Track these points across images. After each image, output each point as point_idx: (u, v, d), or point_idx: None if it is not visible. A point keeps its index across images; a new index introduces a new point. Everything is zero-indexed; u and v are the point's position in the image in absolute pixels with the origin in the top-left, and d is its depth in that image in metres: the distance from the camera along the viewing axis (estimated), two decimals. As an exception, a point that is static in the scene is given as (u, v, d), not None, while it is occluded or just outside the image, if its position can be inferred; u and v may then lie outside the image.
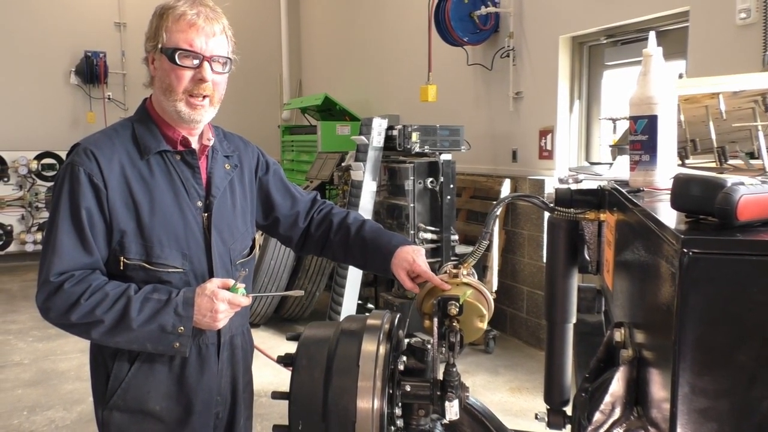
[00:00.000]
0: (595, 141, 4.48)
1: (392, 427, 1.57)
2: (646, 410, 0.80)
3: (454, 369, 1.46)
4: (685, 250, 0.59)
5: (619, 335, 0.93)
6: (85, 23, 7.84)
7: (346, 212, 1.76)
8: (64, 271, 1.37)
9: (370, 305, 5.33)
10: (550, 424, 1.71)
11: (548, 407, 1.74)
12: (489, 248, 4.67)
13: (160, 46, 1.43)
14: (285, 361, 1.55)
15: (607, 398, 0.81)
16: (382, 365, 1.50)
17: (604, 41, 4.29)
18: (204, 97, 1.45)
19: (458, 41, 4.95)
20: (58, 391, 3.94)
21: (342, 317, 4.70)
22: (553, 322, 1.71)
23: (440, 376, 1.54)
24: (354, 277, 4.49)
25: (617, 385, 0.81)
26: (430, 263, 1.61)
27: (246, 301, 1.45)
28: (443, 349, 1.49)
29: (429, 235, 4.31)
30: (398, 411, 1.52)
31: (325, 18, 8.59)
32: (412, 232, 4.31)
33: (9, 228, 7.41)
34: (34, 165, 7.37)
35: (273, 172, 1.73)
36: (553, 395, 1.72)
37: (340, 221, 1.72)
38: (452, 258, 4.26)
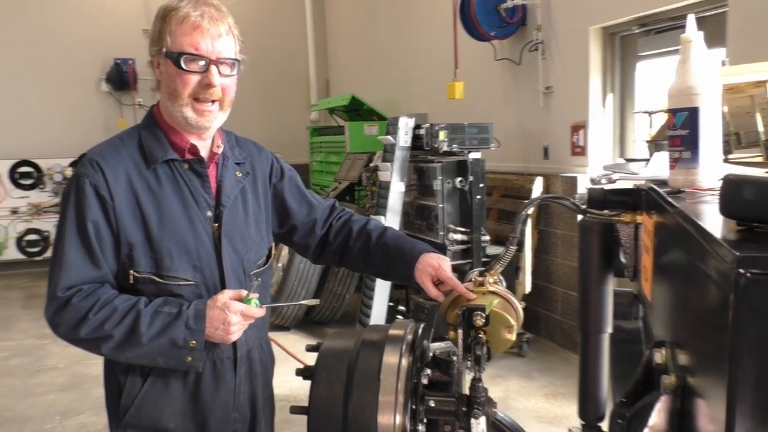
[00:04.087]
0: (630, 136, 4.31)
1: (416, 445, 1.48)
2: (693, 444, 0.70)
3: (480, 384, 1.37)
4: (741, 271, 0.49)
5: (659, 357, 0.84)
6: (114, 31, 7.94)
7: (367, 219, 1.69)
8: (71, 286, 1.34)
9: (401, 307, 5.25)
10: (585, 441, 1.61)
11: (583, 423, 1.64)
12: (521, 249, 4.54)
13: (164, 50, 1.37)
14: (304, 373, 1.48)
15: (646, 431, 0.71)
16: (404, 379, 1.42)
17: (637, 31, 4.12)
18: (213, 102, 1.40)
19: (485, 36, 4.83)
20: (89, 396, 3.96)
21: (372, 320, 4.63)
22: (587, 332, 1.61)
23: (466, 390, 1.46)
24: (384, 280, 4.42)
25: (657, 417, 0.71)
26: (460, 264, 1.53)
27: (260, 312, 1.39)
28: (468, 362, 1.40)
29: (459, 236, 4.20)
30: (422, 428, 1.44)
31: (351, 17, 8.54)
32: (441, 233, 4.21)
33: (46, 234, 7.56)
34: (68, 172, 7.49)
35: (288, 179, 1.66)
36: (588, 410, 1.62)
37: (360, 228, 1.65)
38: (483, 259, 4.15)
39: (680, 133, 1.15)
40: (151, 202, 1.39)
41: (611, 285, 1.56)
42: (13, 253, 7.43)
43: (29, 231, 7.48)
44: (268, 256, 1.60)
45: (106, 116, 8.02)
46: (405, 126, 4.37)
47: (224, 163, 1.51)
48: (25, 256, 7.48)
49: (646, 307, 1.39)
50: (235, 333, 1.36)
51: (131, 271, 1.38)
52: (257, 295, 1.40)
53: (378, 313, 4.40)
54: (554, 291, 4.62)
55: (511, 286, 4.47)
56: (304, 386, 1.48)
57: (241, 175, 1.53)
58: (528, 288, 4.54)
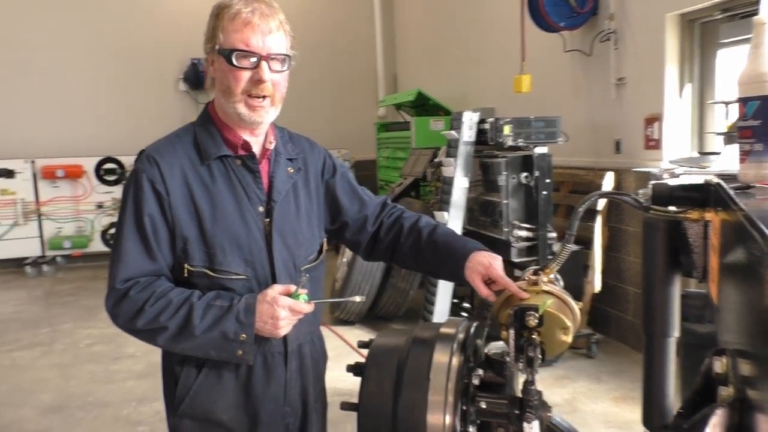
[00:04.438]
0: (709, 128, 4.07)
1: (467, 446, 1.45)
2: (752, 463, 0.64)
3: (533, 387, 1.33)
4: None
5: (719, 366, 0.77)
6: (191, 31, 8.19)
7: (418, 216, 1.67)
8: (129, 278, 1.38)
9: (465, 304, 5.19)
10: (649, 449, 1.53)
11: (647, 431, 1.56)
12: (590, 246, 4.39)
13: (217, 47, 1.40)
14: (354, 370, 1.48)
15: (700, 447, 0.66)
16: (454, 378, 1.40)
17: (719, 17, 3.87)
18: (264, 97, 1.41)
19: (554, 27, 4.68)
20: (163, 383, 4.14)
21: (435, 317, 4.59)
22: (651, 335, 1.53)
23: (520, 392, 1.41)
24: (446, 276, 4.37)
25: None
26: (525, 262, 1.47)
27: (308, 308, 1.40)
28: (520, 364, 1.36)
29: (524, 233, 4.10)
30: (472, 429, 1.41)
31: (419, 11, 8.50)
32: (506, 229, 4.13)
33: (127, 228, 7.97)
34: (147, 168, 7.86)
35: (340, 175, 1.66)
36: (652, 418, 1.53)
37: (411, 225, 1.63)
38: (549, 257, 4.03)
39: (751, 123, 1.07)
40: (205, 198, 1.42)
41: (678, 286, 1.48)
42: (98, 246, 7.87)
43: (113, 224, 7.89)
44: (320, 252, 1.61)
45: (183, 114, 8.34)
46: (469, 121, 4.30)
47: (276, 159, 1.52)
48: (110, 249, 7.90)
49: (713, 311, 1.31)
50: (284, 328, 1.37)
51: (185, 265, 1.42)
52: (306, 290, 1.40)
53: (441, 310, 4.36)
54: (625, 290, 4.43)
55: (580, 285, 4.32)
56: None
57: (293, 170, 1.54)
58: (597, 287, 4.37)
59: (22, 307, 6.00)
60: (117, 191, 7.86)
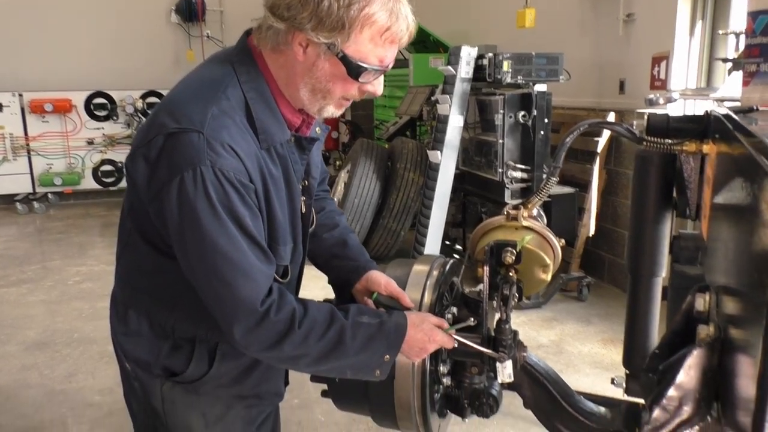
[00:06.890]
0: (719, 66, 3.88)
1: (439, 386, 1.40)
2: (728, 409, 0.56)
3: (507, 326, 1.26)
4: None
5: (701, 303, 0.69)
6: (183, -40, 7.88)
7: (339, 212, 1.58)
8: (264, 296, 1.16)
9: (457, 246, 5.14)
10: (628, 391, 1.49)
11: (627, 372, 1.51)
12: (587, 189, 4.29)
13: (337, 50, 1.11)
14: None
15: (672, 392, 0.58)
16: (426, 317, 1.33)
17: (736, -53, 3.64)
18: None
19: (561, -42, 4.43)
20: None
21: (427, 258, 4.56)
22: (637, 274, 1.46)
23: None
24: (438, 217, 4.30)
25: (687, 374, 0.57)
26: (518, 204, 1.36)
27: (451, 344, 1.29)
28: (494, 302, 1.28)
29: (519, 174, 4.00)
30: (443, 368, 1.35)
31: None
32: (500, 170, 4.02)
33: (120, 165, 7.83)
34: (139, 104, 7.64)
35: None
36: (634, 359, 1.49)
37: (331, 211, 1.56)
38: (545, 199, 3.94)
39: (760, 41, 0.95)
40: (274, 187, 1.21)
41: (668, 225, 1.39)
42: (89, 183, 7.74)
43: (104, 162, 7.74)
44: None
45: (176, 48, 8.07)
46: (467, 56, 4.13)
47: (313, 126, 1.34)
48: (101, 186, 7.79)
49: (703, 248, 1.22)
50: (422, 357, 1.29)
51: None
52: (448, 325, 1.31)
53: (432, 251, 4.30)
54: (620, 234, 4.36)
55: (574, 228, 4.25)
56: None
57: (319, 131, 1.36)
58: (592, 230, 4.30)
59: (11, 244, 5.94)
60: (107, 127, 7.66)
